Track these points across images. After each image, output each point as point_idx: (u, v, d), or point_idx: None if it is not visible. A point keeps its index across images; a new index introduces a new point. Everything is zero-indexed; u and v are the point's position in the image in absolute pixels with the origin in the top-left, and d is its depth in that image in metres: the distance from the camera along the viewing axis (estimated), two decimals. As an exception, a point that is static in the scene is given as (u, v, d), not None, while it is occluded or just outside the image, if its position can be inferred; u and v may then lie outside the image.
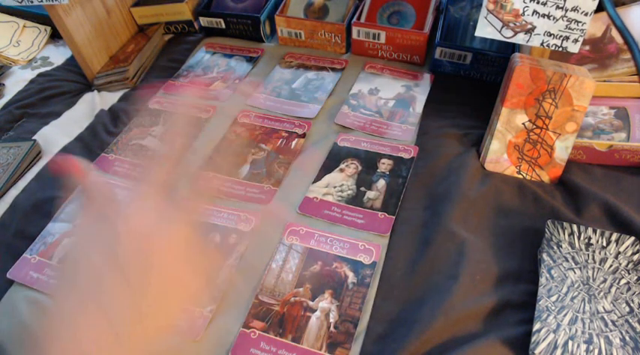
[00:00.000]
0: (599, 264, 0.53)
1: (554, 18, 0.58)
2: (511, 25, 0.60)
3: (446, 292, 0.53)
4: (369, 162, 0.70)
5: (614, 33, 0.68)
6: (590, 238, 0.55)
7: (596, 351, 0.46)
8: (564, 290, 0.51)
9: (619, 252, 0.54)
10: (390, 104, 0.80)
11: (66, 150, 0.74)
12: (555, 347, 0.46)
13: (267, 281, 0.57)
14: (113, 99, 0.85)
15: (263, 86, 0.85)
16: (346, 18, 0.91)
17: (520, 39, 0.61)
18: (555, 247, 0.55)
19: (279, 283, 0.57)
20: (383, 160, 0.71)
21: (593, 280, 0.52)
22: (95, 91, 0.87)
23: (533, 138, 0.64)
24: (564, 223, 0.56)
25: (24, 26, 1.00)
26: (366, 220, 0.63)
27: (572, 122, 0.61)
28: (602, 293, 0.51)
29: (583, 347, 0.46)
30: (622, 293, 0.51)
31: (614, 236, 0.55)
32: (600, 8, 0.67)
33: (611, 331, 0.48)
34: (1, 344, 0.54)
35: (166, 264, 0.31)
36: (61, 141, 0.76)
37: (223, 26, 0.96)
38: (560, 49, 0.60)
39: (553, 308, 0.49)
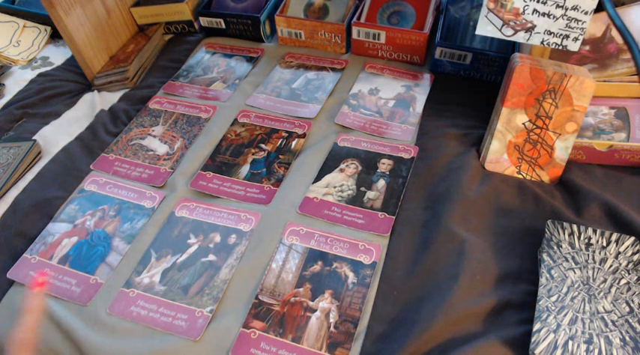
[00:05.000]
0: (599, 264, 0.53)
1: (554, 17, 0.58)
2: (511, 23, 0.60)
3: (446, 292, 0.53)
4: (369, 162, 0.70)
5: (614, 33, 0.68)
6: (590, 238, 0.55)
7: (596, 351, 0.46)
8: (564, 290, 0.51)
9: (619, 252, 0.54)
10: (390, 104, 0.80)
11: (66, 150, 0.74)
12: (555, 347, 0.46)
13: (267, 281, 0.57)
14: (113, 99, 0.85)
15: (263, 86, 0.85)
16: (346, 18, 0.91)
17: (520, 37, 0.61)
18: (555, 247, 0.55)
19: (279, 283, 0.57)
20: (383, 160, 0.70)
21: (593, 280, 0.52)
22: (95, 91, 0.87)
23: (534, 138, 0.64)
24: (564, 223, 0.56)
25: (24, 26, 1.00)
26: (366, 220, 0.63)
27: (572, 122, 0.61)
28: (602, 294, 0.51)
29: (583, 347, 0.46)
30: (622, 293, 0.51)
31: (614, 236, 0.55)
32: (600, 8, 0.67)
33: (611, 331, 0.48)
34: (1, 344, 0.54)
35: None
36: (61, 141, 0.76)
37: (223, 26, 0.96)
38: (561, 47, 0.60)
39: (553, 308, 0.49)
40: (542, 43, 0.60)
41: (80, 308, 0.56)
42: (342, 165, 0.70)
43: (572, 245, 0.55)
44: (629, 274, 0.52)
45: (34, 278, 0.39)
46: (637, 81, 0.69)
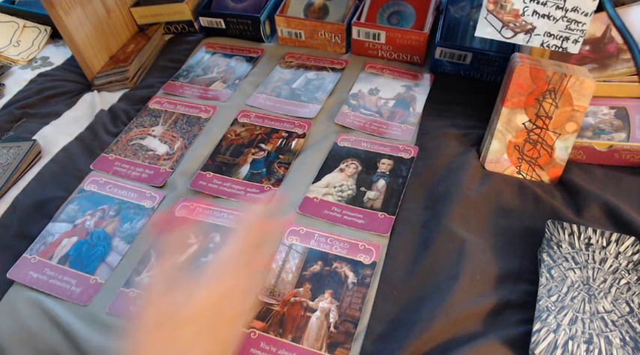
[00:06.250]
0: (599, 264, 0.53)
1: (554, 18, 0.58)
2: (511, 25, 0.60)
3: (446, 292, 0.53)
4: (369, 162, 0.70)
5: (614, 33, 0.68)
6: (590, 238, 0.55)
7: (596, 351, 0.46)
8: (564, 290, 0.51)
9: (619, 252, 0.54)
10: (390, 104, 0.80)
11: (66, 150, 0.74)
12: (555, 347, 0.46)
13: (267, 282, 0.57)
14: (113, 99, 0.85)
15: (263, 86, 0.85)
16: (346, 18, 0.91)
17: (520, 39, 0.61)
18: (555, 247, 0.55)
19: (279, 283, 0.57)
20: (383, 160, 0.71)
21: (593, 280, 0.52)
22: (95, 91, 0.87)
23: (534, 138, 0.64)
24: (564, 223, 0.56)
25: (24, 26, 1.00)
26: (366, 220, 0.63)
27: (572, 122, 0.61)
28: (602, 294, 0.51)
29: (583, 347, 0.46)
30: (622, 294, 0.51)
31: (614, 236, 0.55)
32: (600, 8, 0.67)
33: (611, 331, 0.48)
34: (1, 344, 0.54)
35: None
36: (61, 141, 0.76)
37: (223, 26, 0.96)
38: (561, 49, 0.60)
39: (553, 308, 0.49)
40: (542, 45, 0.60)
41: (80, 308, 0.56)
42: (342, 165, 0.70)
43: (572, 245, 0.55)
44: (629, 274, 0.52)
45: None
46: (637, 81, 0.69)
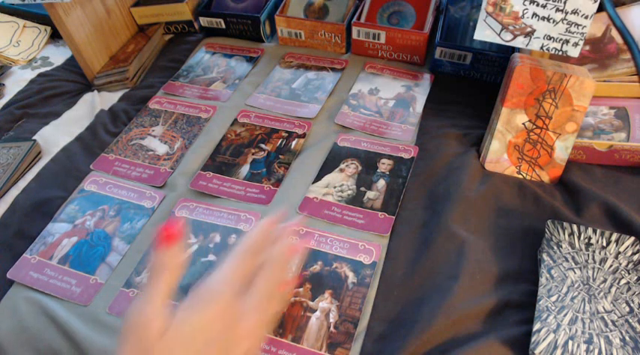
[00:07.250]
0: (599, 264, 0.53)
1: (554, 21, 0.58)
2: (510, 27, 0.60)
3: (446, 292, 0.53)
4: (369, 162, 0.70)
5: (614, 33, 0.69)
6: (590, 238, 0.55)
7: (596, 351, 0.46)
8: (564, 290, 0.51)
9: (619, 252, 0.54)
10: (390, 104, 0.80)
11: (66, 150, 0.74)
12: (555, 347, 0.46)
13: (267, 282, 0.57)
14: (113, 99, 0.85)
15: (263, 86, 0.85)
16: (346, 18, 0.91)
17: (519, 42, 0.61)
18: (555, 247, 0.55)
19: (279, 283, 0.57)
20: (383, 160, 0.71)
21: (593, 280, 0.52)
22: (95, 91, 0.87)
23: (533, 138, 0.64)
24: (564, 223, 0.57)
25: (24, 26, 1.00)
26: (366, 220, 0.63)
27: (572, 122, 0.62)
28: (602, 293, 0.51)
29: (583, 347, 0.46)
30: (622, 293, 0.51)
31: (614, 236, 0.55)
32: (600, 8, 0.67)
33: (611, 331, 0.48)
34: (1, 344, 0.54)
35: None
36: (61, 141, 0.76)
37: (223, 26, 0.96)
38: (560, 52, 0.60)
39: (553, 308, 0.49)
40: (541, 48, 0.60)
41: (80, 308, 0.56)
42: (342, 165, 0.70)
43: (572, 245, 0.55)
44: (629, 274, 0.52)
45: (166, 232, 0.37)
46: (637, 81, 0.69)
